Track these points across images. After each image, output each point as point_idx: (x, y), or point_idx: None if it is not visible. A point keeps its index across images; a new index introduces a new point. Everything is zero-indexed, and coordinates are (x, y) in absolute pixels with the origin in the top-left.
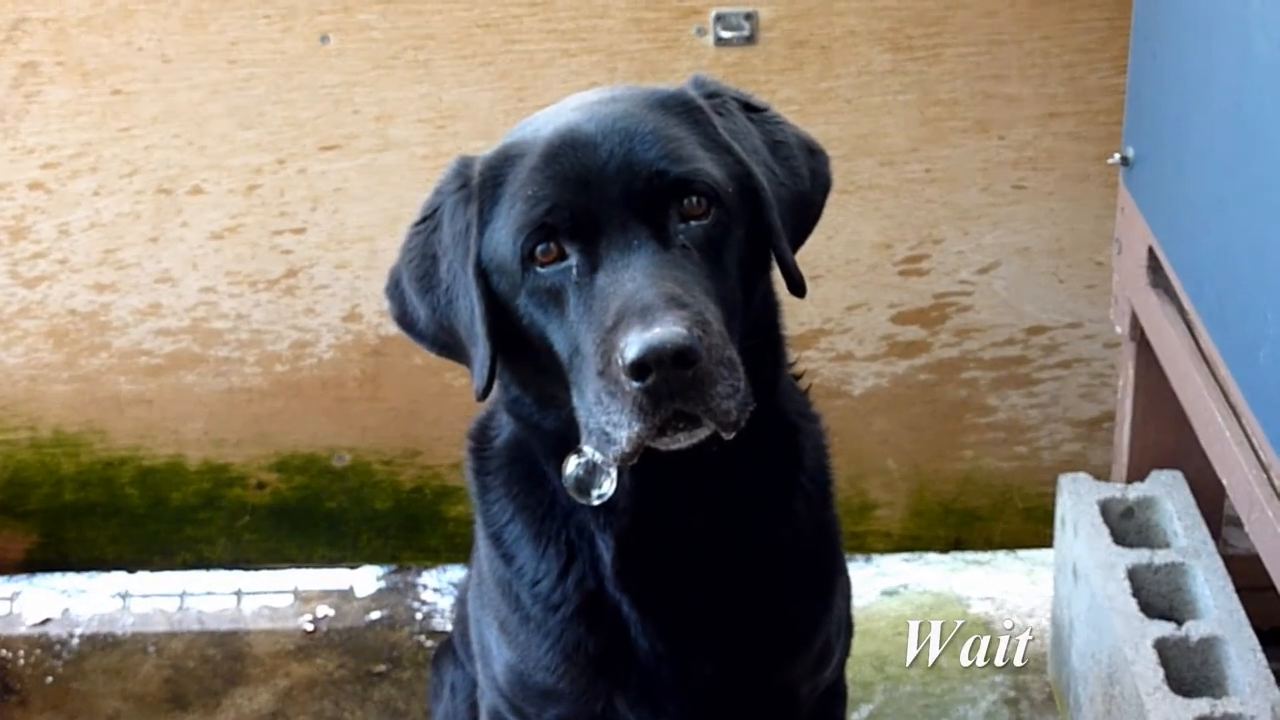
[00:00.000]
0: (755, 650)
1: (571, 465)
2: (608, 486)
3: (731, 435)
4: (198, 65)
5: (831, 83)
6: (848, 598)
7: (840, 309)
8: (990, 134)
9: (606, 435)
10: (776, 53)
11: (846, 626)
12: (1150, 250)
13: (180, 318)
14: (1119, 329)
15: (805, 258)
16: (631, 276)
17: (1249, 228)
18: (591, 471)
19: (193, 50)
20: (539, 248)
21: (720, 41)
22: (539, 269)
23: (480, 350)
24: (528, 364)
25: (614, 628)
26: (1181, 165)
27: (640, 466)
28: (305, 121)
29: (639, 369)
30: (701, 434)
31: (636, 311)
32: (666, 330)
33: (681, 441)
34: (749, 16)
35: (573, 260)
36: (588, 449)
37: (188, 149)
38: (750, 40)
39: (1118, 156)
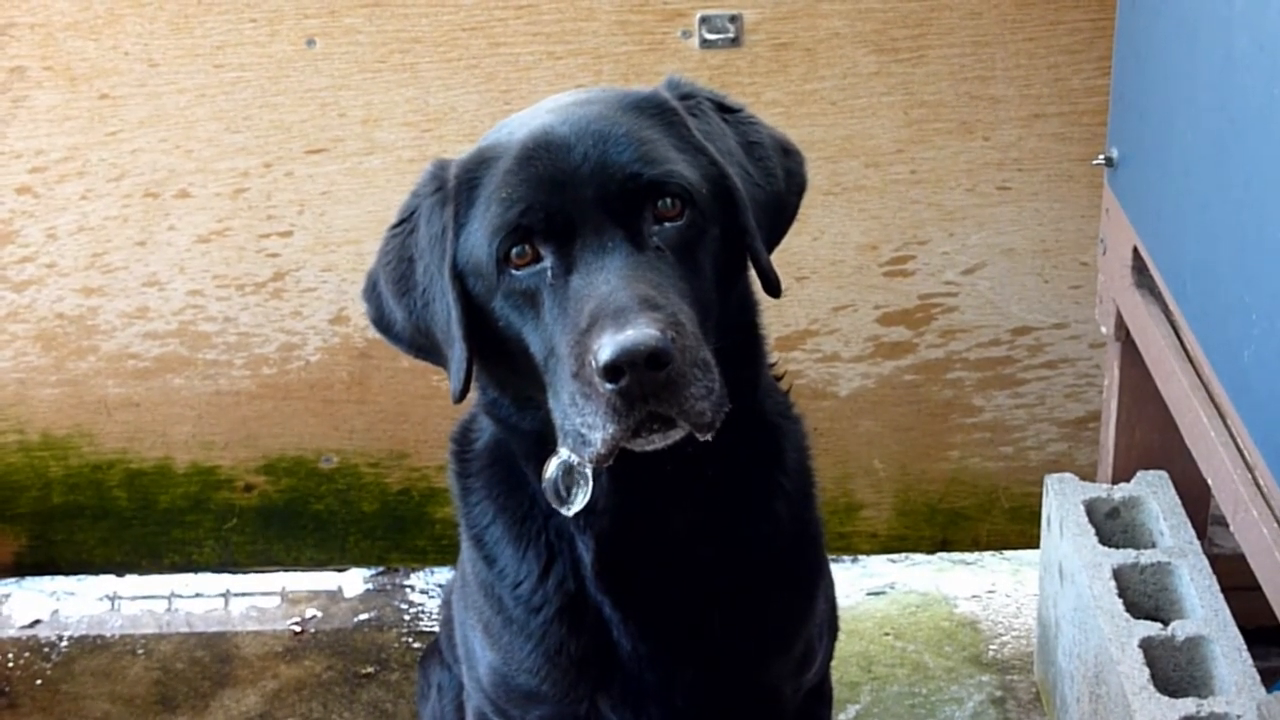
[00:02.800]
0: (736, 651)
1: (550, 469)
2: (582, 499)
3: (707, 436)
4: (184, 69)
5: (816, 85)
6: (830, 599)
7: (826, 310)
8: (975, 135)
9: (582, 436)
10: (761, 55)
11: (830, 628)
12: (1135, 250)
13: (168, 321)
14: (1104, 329)
15: (790, 258)
16: (605, 279)
17: (1233, 228)
18: (569, 480)
19: (179, 54)
20: (514, 250)
21: (705, 44)
22: (514, 271)
23: (457, 352)
24: (504, 366)
25: (596, 629)
26: (1165, 166)
27: (619, 468)
28: (292, 125)
29: (612, 371)
30: (676, 435)
31: (610, 314)
32: (639, 332)
33: (656, 443)
34: (734, 19)
35: (547, 262)
36: (564, 450)
37: (175, 153)
38: (735, 43)
39: (1102, 157)
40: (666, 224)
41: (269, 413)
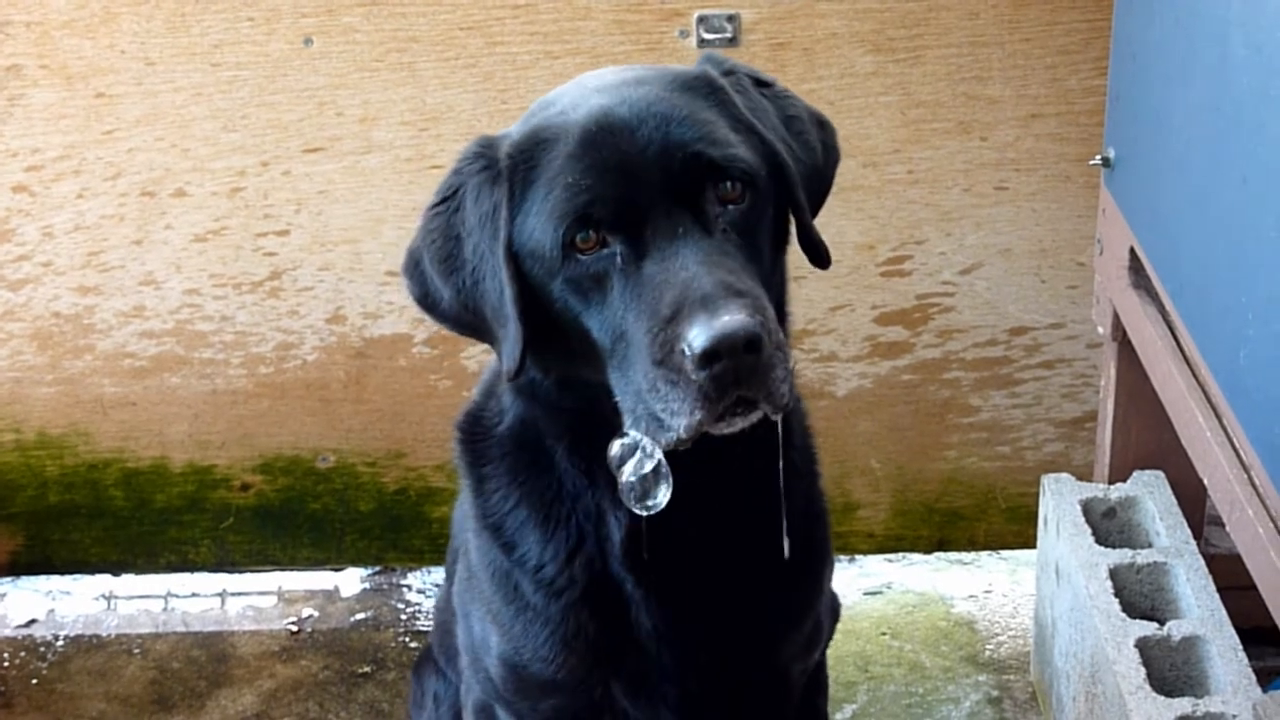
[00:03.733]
0: (752, 627)
1: (627, 472)
2: (665, 495)
3: (779, 416)
4: (181, 68)
5: (814, 84)
6: (830, 578)
7: (823, 310)
8: (972, 135)
9: (660, 422)
10: (759, 55)
11: (832, 609)
12: (1131, 251)
13: (164, 320)
14: (1101, 329)
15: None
16: (683, 265)
17: (1229, 228)
18: (647, 482)
19: (176, 53)
20: (579, 235)
21: (703, 43)
22: (580, 256)
23: (511, 332)
24: (554, 347)
25: (615, 611)
26: (1161, 166)
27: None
28: (289, 124)
29: (709, 358)
30: (756, 417)
31: (698, 301)
32: (735, 319)
33: (737, 425)
34: (731, 18)
35: (616, 248)
36: (634, 433)
37: (171, 151)
38: (733, 42)
39: (1099, 158)
40: (730, 207)
41: (265, 412)
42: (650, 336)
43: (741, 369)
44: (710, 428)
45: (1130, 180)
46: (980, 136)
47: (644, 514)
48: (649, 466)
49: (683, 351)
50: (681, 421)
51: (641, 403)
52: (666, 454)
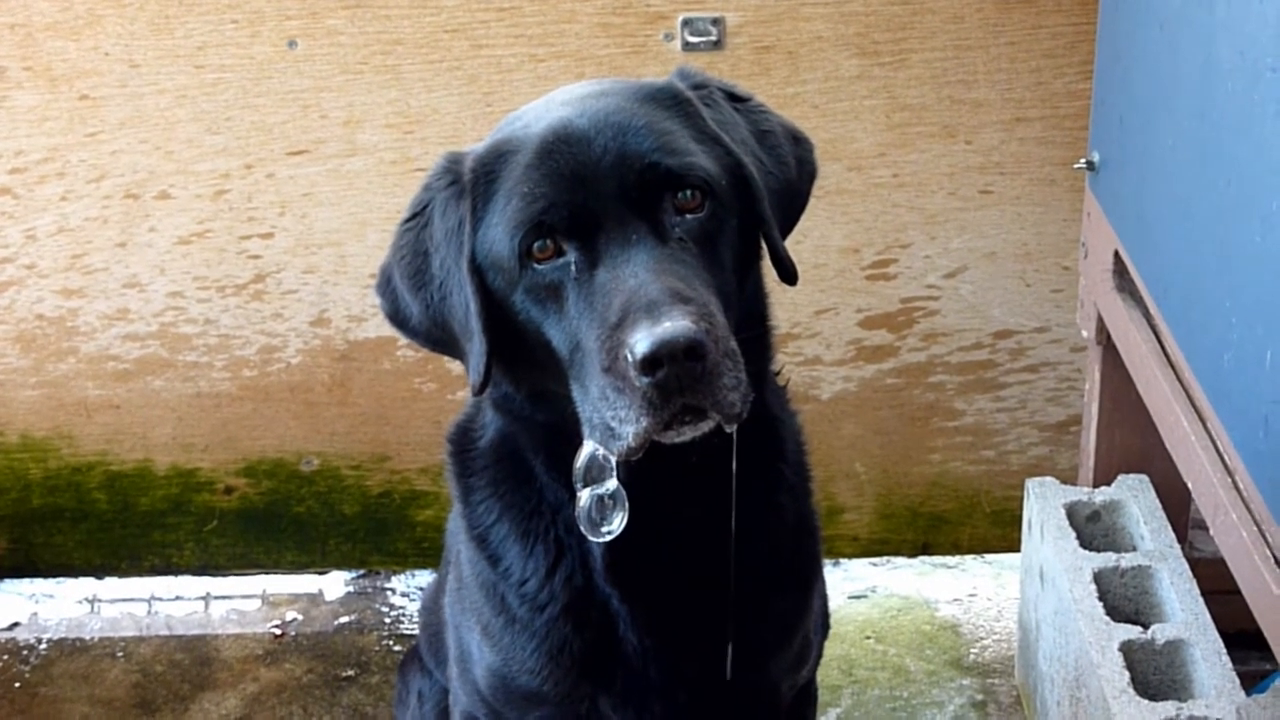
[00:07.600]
0: (741, 644)
1: (584, 499)
2: (620, 522)
3: (733, 427)
4: (165, 70)
5: (799, 88)
6: (823, 596)
7: (808, 313)
8: (957, 139)
9: (611, 430)
10: (744, 58)
11: (822, 625)
12: (1116, 255)
13: (148, 323)
14: (1085, 333)
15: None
16: (633, 272)
17: (1213, 232)
18: (603, 508)
19: (160, 55)
20: (536, 244)
21: (688, 47)
22: (536, 265)
23: (476, 346)
24: (522, 359)
25: (601, 626)
26: (1146, 170)
27: (634, 460)
28: (273, 126)
29: (650, 364)
30: (706, 426)
31: (643, 307)
32: (676, 325)
33: (687, 435)
34: (716, 22)
35: (571, 257)
36: (590, 443)
37: (155, 154)
38: (718, 45)
39: (1084, 161)
40: (688, 216)
41: (249, 415)
42: (599, 343)
43: (685, 376)
44: (659, 436)
45: (1115, 184)
46: (965, 140)
47: (598, 540)
48: (604, 489)
49: (626, 358)
50: (629, 429)
51: (596, 411)
52: (636, 469)
